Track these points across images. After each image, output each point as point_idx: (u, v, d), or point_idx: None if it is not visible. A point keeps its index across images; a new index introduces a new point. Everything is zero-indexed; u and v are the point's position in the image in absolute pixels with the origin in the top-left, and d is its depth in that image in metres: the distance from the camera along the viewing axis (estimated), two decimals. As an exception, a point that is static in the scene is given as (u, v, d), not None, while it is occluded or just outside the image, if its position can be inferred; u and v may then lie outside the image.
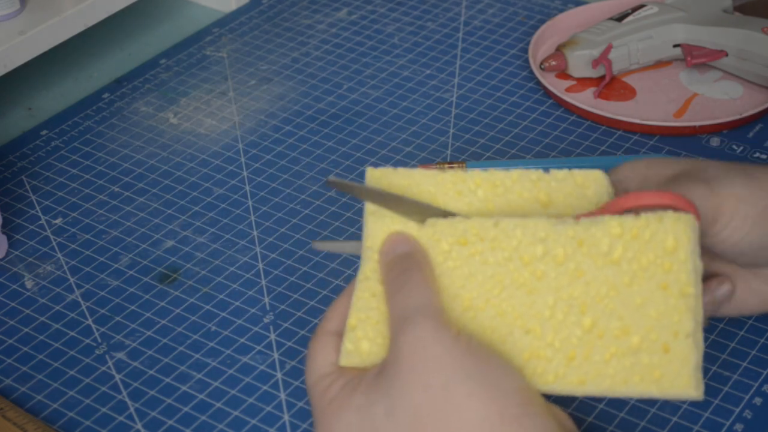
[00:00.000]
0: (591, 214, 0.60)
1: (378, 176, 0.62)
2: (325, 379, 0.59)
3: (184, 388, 0.71)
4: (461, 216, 0.60)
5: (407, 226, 0.60)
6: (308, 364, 0.60)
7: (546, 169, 0.62)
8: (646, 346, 0.55)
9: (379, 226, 0.61)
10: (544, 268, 0.57)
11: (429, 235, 0.60)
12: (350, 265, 0.78)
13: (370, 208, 0.61)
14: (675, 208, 0.58)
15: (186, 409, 0.70)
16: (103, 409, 0.70)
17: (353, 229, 0.81)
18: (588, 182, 0.62)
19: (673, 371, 0.55)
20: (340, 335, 0.61)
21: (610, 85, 0.94)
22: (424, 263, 0.59)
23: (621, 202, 0.59)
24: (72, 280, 0.79)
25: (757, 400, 0.69)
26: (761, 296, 0.67)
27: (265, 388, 0.71)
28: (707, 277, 0.65)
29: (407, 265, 0.59)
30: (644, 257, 0.56)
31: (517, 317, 0.57)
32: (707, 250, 0.62)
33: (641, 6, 0.96)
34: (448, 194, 0.62)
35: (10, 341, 0.74)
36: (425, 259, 0.59)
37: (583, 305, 0.56)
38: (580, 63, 0.94)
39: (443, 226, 0.59)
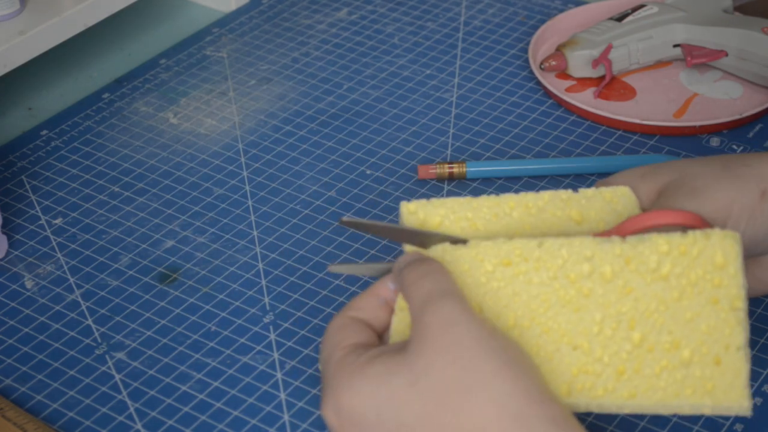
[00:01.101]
0: (607, 233, 0.61)
1: (413, 210, 0.63)
2: (339, 350, 0.59)
3: (184, 388, 0.71)
4: (504, 238, 0.60)
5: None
6: (326, 338, 0.60)
7: (575, 189, 0.65)
8: (698, 359, 0.56)
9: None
10: (591, 286, 0.58)
11: (472, 255, 0.60)
12: (350, 265, 0.78)
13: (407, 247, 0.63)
14: (690, 227, 0.60)
15: (186, 409, 0.70)
16: (103, 409, 0.70)
17: (352, 229, 0.81)
18: (616, 198, 0.64)
19: (726, 383, 0.56)
20: (361, 322, 0.61)
21: (610, 85, 0.94)
22: (440, 265, 0.60)
23: (642, 221, 0.61)
24: (72, 280, 0.79)
25: (757, 400, 0.69)
26: (764, 282, 0.70)
27: (265, 388, 0.71)
28: None
29: (425, 262, 0.60)
30: (693, 273, 0.57)
31: (564, 334, 0.58)
32: None
33: (641, 6, 0.96)
34: (485, 218, 0.63)
35: (10, 341, 0.74)
36: (440, 264, 0.61)
37: (632, 320, 0.57)
38: (580, 63, 0.94)
39: (486, 247, 0.60)
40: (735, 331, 0.57)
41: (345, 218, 0.62)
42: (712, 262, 0.57)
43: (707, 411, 0.57)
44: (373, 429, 0.56)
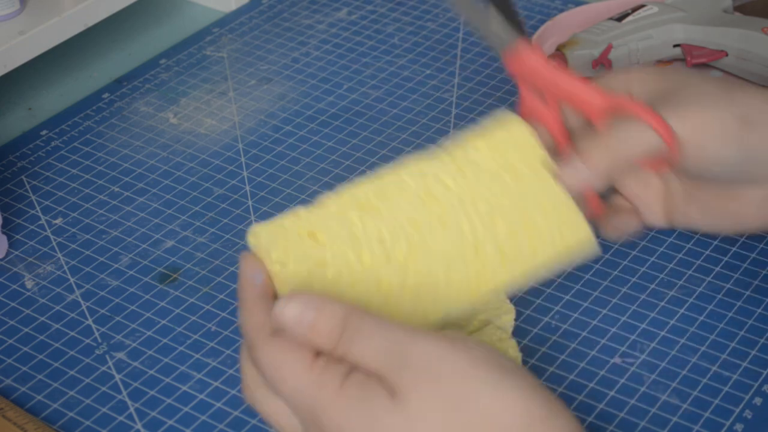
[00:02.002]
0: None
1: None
2: (310, 375, 0.56)
3: (184, 388, 0.71)
4: (348, 188, 0.63)
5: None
6: (277, 371, 0.57)
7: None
8: (549, 220, 0.65)
9: (274, 235, 0.61)
10: (445, 201, 0.64)
11: (332, 213, 0.62)
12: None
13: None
14: (655, 129, 0.67)
15: (186, 409, 0.70)
16: (103, 409, 0.70)
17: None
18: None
19: (574, 226, 0.66)
20: (282, 334, 0.59)
21: (610, 85, 0.94)
22: (347, 306, 0.58)
23: (613, 99, 0.68)
24: (72, 280, 0.79)
25: (757, 400, 0.69)
26: (739, 215, 0.73)
27: (265, 388, 0.71)
28: (621, 211, 0.75)
29: (339, 318, 0.57)
30: (510, 158, 0.66)
31: (448, 247, 0.63)
32: (685, 173, 0.71)
33: (641, 6, 0.96)
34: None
35: (10, 341, 0.74)
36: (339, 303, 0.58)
37: (489, 217, 0.64)
38: (580, 63, 0.94)
39: (341, 200, 0.63)
40: (557, 188, 0.67)
41: None
42: (517, 145, 0.66)
43: (569, 253, 0.66)
44: None
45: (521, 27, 0.69)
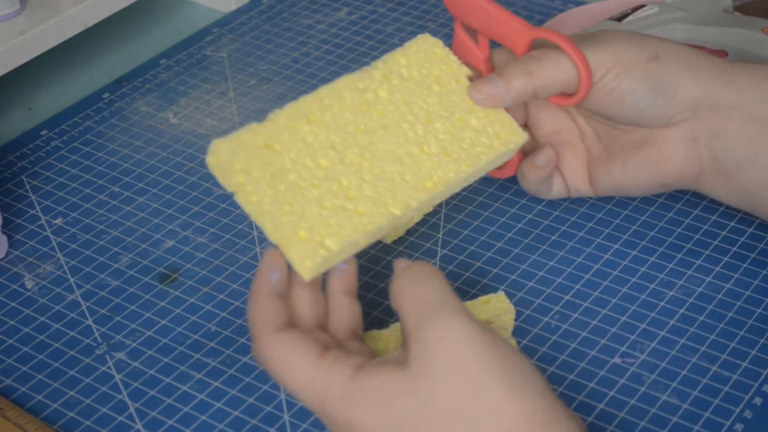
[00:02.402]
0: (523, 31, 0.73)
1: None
2: (319, 369, 0.58)
3: (184, 388, 0.71)
4: (290, 103, 0.67)
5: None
6: (285, 367, 0.58)
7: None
8: (482, 122, 0.71)
9: (231, 149, 0.65)
10: (381, 108, 0.69)
11: (283, 125, 0.66)
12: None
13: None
14: (571, 58, 0.71)
15: (186, 409, 0.70)
16: (103, 409, 0.70)
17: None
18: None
19: (508, 129, 0.72)
20: (290, 326, 0.60)
21: (610, 85, 0.94)
22: (428, 265, 0.60)
23: (538, 31, 0.72)
24: (72, 280, 0.79)
25: (757, 400, 0.69)
26: (659, 163, 0.74)
27: (265, 388, 0.71)
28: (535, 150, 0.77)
29: (427, 270, 0.60)
30: (433, 69, 0.72)
31: (394, 147, 0.68)
32: (598, 114, 0.75)
33: (641, 6, 0.96)
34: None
35: (10, 341, 0.74)
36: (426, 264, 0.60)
37: (426, 119, 0.70)
38: (580, 63, 0.94)
39: (288, 112, 0.67)
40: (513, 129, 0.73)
41: None
42: (435, 57, 0.73)
43: (508, 153, 0.72)
44: None
45: None
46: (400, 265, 0.61)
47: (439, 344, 0.55)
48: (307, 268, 0.61)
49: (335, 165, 0.66)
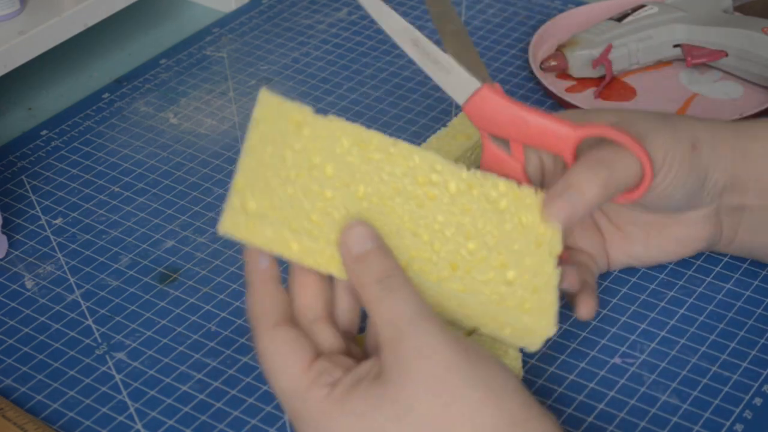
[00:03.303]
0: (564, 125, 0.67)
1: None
2: (302, 380, 0.57)
3: (184, 388, 0.71)
4: (362, 126, 0.64)
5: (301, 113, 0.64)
6: (273, 365, 0.58)
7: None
8: (520, 282, 0.64)
9: (271, 104, 0.65)
10: (437, 193, 0.64)
11: (332, 128, 0.63)
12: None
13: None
14: (639, 157, 0.66)
15: (186, 409, 0.70)
16: (103, 409, 0.70)
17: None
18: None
19: (541, 309, 0.63)
20: (287, 323, 0.59)
21: (610, 85, 0.94)
22: (398, 267, 0.59)
23: (587, 128, 0.67)
24: (72, 280, 0.79)
25: (757, 400, 0.69)
26: (682, 242, 0.73)
27: (265, 388, 0.71)
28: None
29: (387, 267, 0.59)
30: (524, 217, 0.65)
31: (407, 221, 0.63)
32: (645, 205, 0.71)
33: (641, 6, 0.96)
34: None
35: (10, 341, 0.74)
36: (395, 259, 0.59)
37: (468, 233, 0.64)
38: (580, 63, 0.94)
39: (346, 125, 0.64)
40: (552, 272, 0.65)
41: None
42: (539, 214, 0.65)
43: (508, 332, 0.63)
44: None
45: (483, 70, 0.67)
46: (354, 250, 0.60)
47: (415, 355, 0.55)
48: (223, 222, 0.60)
49: (339, 200, 0.62)
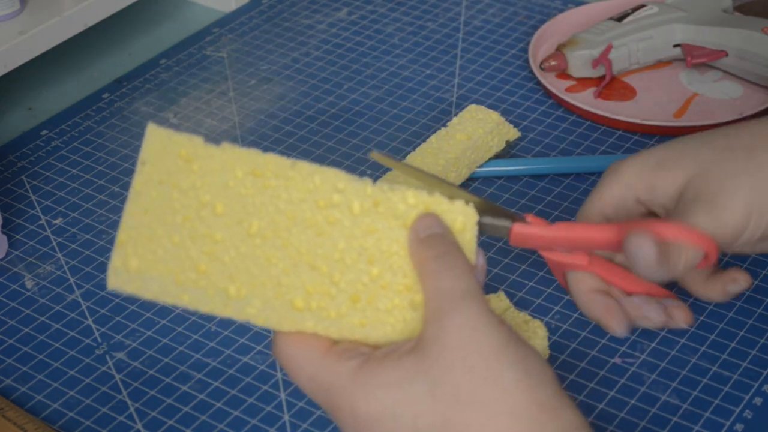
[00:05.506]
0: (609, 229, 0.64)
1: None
2: (324, 364, 0.57)
3: (184, 388, 0.71)
4: (258, 150, 0.60)
5: (193, 142, 0.60)
6: (293, 361, 0.58)
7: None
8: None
9: (158, 139, 0.61)
10: (338, 216, 0.59)
11: (224, 158, 0.59)
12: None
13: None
14: (706, 252, 0.63)
15: (186, 409, 0.70)
16: (103, 409, 0.70)
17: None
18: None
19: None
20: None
21: (610, 85, 0.94)
22: (460, 250, 0.59)
23: (649, 226, 0.63)
24: (72, 280, 0.79)
25: (757, 400, 0.69)
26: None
27: (265, 388, 0.71)
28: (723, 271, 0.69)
29: (449, 248, 0.59)
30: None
31: (305, 253, 0.59)
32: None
33: (641, 6, 0.96)
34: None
35: (10, 341, 0.74)
36: (457, 244, 0.60)
37: (372, 257, 0.59)
38: (580, 63, 0.94)
39: (241, 153, 0.59)
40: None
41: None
42: (452, 225, 0.60)
43: None
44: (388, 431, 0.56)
45: (510, 214, 0.65)
46: (423, 233, 0.59)
47: (457, 331, 0.55)
48: (108, 279, 0.57)
49: (229, 242, 0.58)
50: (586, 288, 0.68)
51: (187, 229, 0.58)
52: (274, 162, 0.60)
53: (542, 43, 0.98)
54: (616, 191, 0.68)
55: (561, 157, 0.87)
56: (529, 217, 0.65)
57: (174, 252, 0.57)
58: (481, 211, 0.63)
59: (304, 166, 0.60)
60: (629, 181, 0.68)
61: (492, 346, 0.55)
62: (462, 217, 0.60)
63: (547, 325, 0.74)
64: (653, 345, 0.72)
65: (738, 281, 0.69)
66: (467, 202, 0.60)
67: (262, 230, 0.58)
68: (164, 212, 0.58)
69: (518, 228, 0.65)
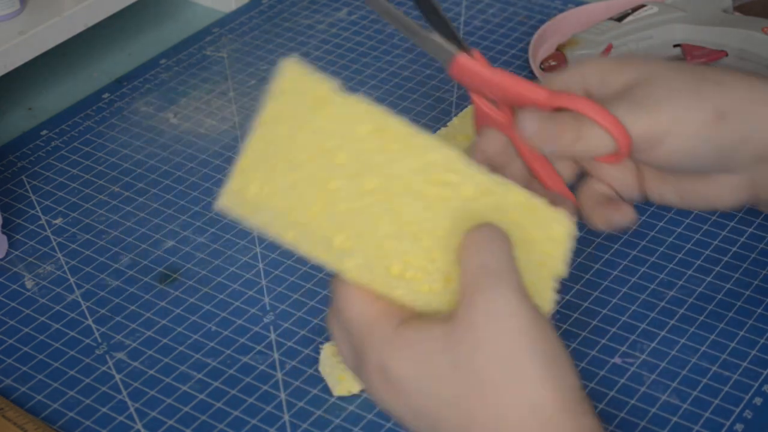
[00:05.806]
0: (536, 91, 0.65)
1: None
2: (370, 310, 0.58)
3: (184, 388, 0.71)
4: (387, 110, 0.59)
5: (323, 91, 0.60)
6: (348, 297, 0.58)
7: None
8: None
9: (294, 75, 0.59)
10: (450, 195, 0.59)
11: (355, 110, 0.59)
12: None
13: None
14: (609, 131, 0.63)
15: (186, 409, 0.70)
16: (103, 409, 0.70)
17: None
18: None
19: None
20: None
21: (610, 85, 0.94)
22: (505, 232, 0.59)
23: (562, 98, 0.64)
24: (72, 280, 0.79)
25: (757, 400, 0.69)
26: (706, 198, 0.69)
27: (265, 388, 0.71)
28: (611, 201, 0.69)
29: (498, 234, 0.58)
30: (533, 232, 0.60)
31: (411, 223, 0.59)
32: (655, 167, 0.67)
33: (641, 6, 0.96)
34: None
35: (10, 341, 0.74)
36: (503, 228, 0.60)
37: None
38: (580, 63, 0.94)
39: (370, 109, 0.59)
40: (549, 294, 0.61)
41: None
42: (549, 232, 0.60)
43: None
44: (410, 396, 0.56)
45: (459, 40, 0.67)
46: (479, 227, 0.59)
47: (488, 313, 0.55)
48: (221, 199, 0.57)
49: (344, 193, 0.58)
50: (593, 194, 0.69)
51: (307, 171, 0.58)
52: (399, 127, 0.60)
53: (542, 43, 0.98)
54: (569, 77, 0.68)
55: (561, 157, 0.87)
56: (476, 53, 0.65)
57: (290, 189, 0.57)
58: (432, 29, 0.64)
59: (428, 140, 0.60)
60: (588, 71, 0.67)
61: (522, 335, 0.55)
62: (558, 226, 0.60)
63: (547, 325, 0.74)
64: (653, 345, 0.72)
65: (622, 211, 0.68)
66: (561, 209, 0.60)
67: (376, 190, 0.59)
68: (288, 149, 0.58)
69: (462, 59, 0.65)
